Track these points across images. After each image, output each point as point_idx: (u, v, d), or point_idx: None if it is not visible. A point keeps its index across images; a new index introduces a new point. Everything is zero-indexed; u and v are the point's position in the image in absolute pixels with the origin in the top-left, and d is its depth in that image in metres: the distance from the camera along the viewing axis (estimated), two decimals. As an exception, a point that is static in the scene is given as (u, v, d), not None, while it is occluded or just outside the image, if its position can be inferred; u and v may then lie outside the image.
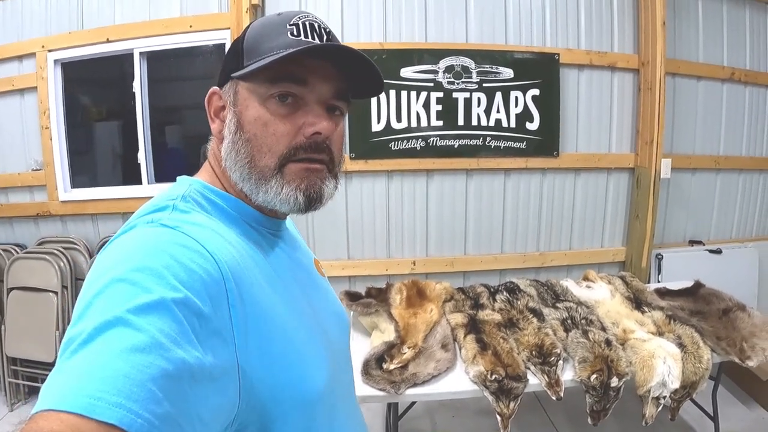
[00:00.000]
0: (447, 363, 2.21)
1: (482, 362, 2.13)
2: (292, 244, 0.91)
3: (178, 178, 0.83)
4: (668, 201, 3.63)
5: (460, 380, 2.16)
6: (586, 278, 2.96)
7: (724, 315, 2.61)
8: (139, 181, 3.45)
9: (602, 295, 2.76)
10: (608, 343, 2.29)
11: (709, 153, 3.64)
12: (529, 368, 2.19)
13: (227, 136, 0.78)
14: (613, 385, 2.17)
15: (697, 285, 2.86)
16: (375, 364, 2.15)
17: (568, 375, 2.21)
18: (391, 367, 2.13)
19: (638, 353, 2.27)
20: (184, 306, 0.56)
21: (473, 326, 2.40)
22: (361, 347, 2.38)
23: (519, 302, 2.60)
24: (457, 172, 3.42)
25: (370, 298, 2.67)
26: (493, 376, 2.05)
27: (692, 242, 3.67)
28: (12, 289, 3.18)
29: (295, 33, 0.74)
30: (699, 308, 2.67)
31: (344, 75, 0.77)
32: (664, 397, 2.24)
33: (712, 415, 2.71)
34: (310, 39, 0.74)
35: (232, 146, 0.77)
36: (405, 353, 2.19)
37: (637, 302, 2.70)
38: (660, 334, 2.44)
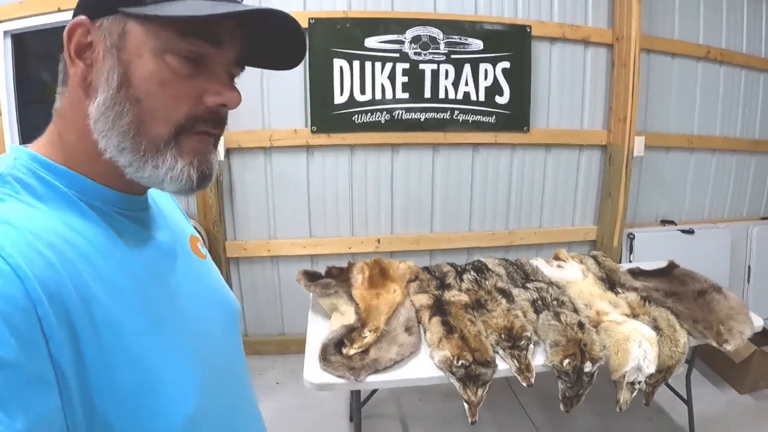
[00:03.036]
0: (411, 347, 2.04)
1: (448, 346, 1.97)
2: (156, 224, 0.73)
3: (9, 147, 0.62)
4: (641, 180, 3.53)
5: (424, 366, 1.99)
6: (556, 257, 2.83)
7: (700, 297, 2.51)
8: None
9: (574, 275, 2.63)
10: (581, 325, 2.16)
11: (683, 132, 3.54)
12: (497, 353, 2.04)
13: (102, 90, 0.59)
14: (586, 370, 2.04)
15: (671, 265, 2.75)
16: (334, 349, 1.97)
17: (539, 359, 2.07)
18: (351, 352, 1.96)
19: (612, 336, 2.15)
20: None
21: (439, 308, 2.24)
22: (319, 330, 2.20)
23: (487, 282, 2.45)
24: (423, 146, 3.24)
25: (330, 279, 2.48)
26: (460, 362, 1.90)
27: (664, 222, 3.58)
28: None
29: None
30: (674, 289, 2.56)
31: (254, 41, 0.66)
32: (639, 382, 2.13)
33: (685, 398, 2.62)
34: None
35: (111, 104, 0.59)
36: (366, 337, 2.01)
37: (610, 283, 2.58)
38: (635, 316, 2.32)
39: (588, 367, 2.04)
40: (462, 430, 2.65)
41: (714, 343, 2.26)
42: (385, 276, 2.44)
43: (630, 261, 3.42)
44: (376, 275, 2.43)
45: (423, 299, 2.32)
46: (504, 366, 1.98)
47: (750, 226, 3.67)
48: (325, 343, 2.00)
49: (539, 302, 2.33)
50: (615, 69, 3.33)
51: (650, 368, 2.10)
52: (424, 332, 2.16)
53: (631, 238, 3.43)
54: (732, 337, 2.28)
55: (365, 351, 1.99)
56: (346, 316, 2.19)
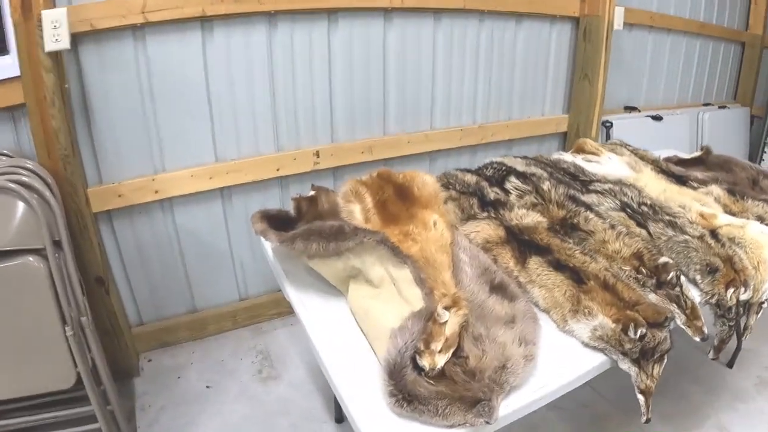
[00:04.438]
0: (528, 322, 1.19)
1: (599, 309, 1.16)
2: None
3: None
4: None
5: (557, 348, 1.22)
6: (580, 150, 2.15)
7: (755, 185, 2.04)
8: None
9: (621, 171, 1.97)
10: (716, 237, 1.50)
11: (644, 8, 3.11)
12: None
13: None
14: (743, 298, 1.42)
15: (707, 151, 2.26)
16: (412, 367, 1.08)
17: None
18: (439, 362, 1.08)
19: (745, 247, 1.53)
20: None
21: (520, 240, 1.40)
22: (327, 326, 1.32)
23: (544, 187, 1.65)
24: (371, 13, 2.27)
25: (311, 221, 1.47)
26: (638, 332, 1.09)
27: (628, 108, 3.14)
28: None
29: None
30: (729, 178, 2.04)
31: None
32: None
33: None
34: None
35: None
36: (445, 321, 1.10)
37: (673, 176, 1.96)
38: (732, 214, 1.75)
39: (745, 294, 1.41)
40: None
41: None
42: (407, 199, 1.50)
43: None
44: (392, 200, 1.49)
45: (484, 229, 1.46)
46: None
47: (700, 112, 3.49)
48: (395, 360, 1.07)
49: (628, 211, 1.61)
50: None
51: None
52: (519, 286, 1.31)
53: (607, 126, 2.99)
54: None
55: (460, 354, 1.12)
56: (384, 288, 1.25)
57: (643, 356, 1.15)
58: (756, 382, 2.13)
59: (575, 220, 1.49)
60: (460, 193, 1.68)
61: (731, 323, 1.40)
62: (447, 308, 1.15)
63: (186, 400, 1.96)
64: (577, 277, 1.25)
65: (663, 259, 1.36)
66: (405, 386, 1.04)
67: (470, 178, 1.78)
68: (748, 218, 1.69)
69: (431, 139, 2.60)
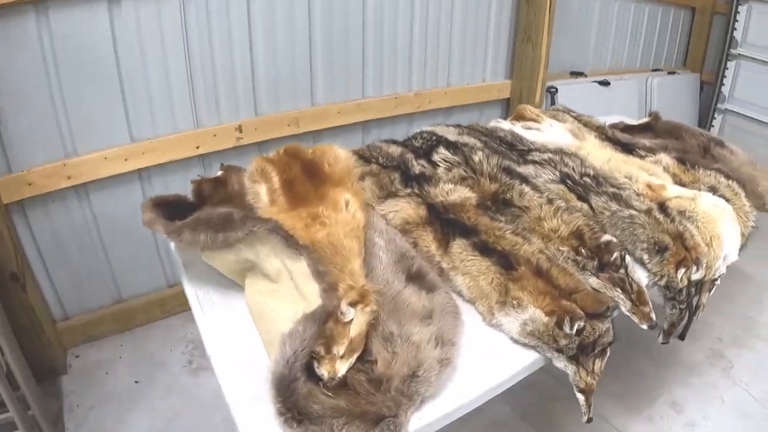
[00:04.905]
0: (447, 317, 1.01)
1: (529, 299, 0.97)
2: None
3: None
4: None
5: (479, 345, 1.04)
6: (520, 117, 1.98)
7: (706, 153, 1.90)
8: None
9: (563, 139, 1.80)
10: (665, 211, 1.34)
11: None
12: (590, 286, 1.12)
13: None
14: (695, 278, 1.27)
15: (655, 117, 2.12)
16: (305, 378, 0.91)
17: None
18: (340, 369, 0.93)
19: (696, 221, 1.38)
20: None
21: (444, 220, 1.20)
22: (224, 327, 1.13)
23: (475, 159, 1.46)
24: None
25: (217, 206, 1.25)
26: (575, 326, 0.92)
27: (574, 74, 3.00)
28: None
29: None
30: (679, 146, 1.90)
31: None
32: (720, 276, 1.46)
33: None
34: None
35: None
36: (349, 317, 0.91)
37: (619, 144, 1.81)
38: (682, 185, 1.60)
39: (697, 273, 1.26)
40: None
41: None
42: (316, 176, 1.29)
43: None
44: (299, 179, 1.27)
45: (403, 208, 1.26)
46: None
47: (649, 77, 3.35)
48: (282, 373, 0.87)
49: (569, 182, 1.44)
50: None
51: (734, 255, 1.44)
52: (441, 273, 1.12)
53: (552, 92, 2.83)
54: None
55: (367, 358, 0.95)
56: (282, 282, 1.06)
57: (582, 352, 0.98)
58: (709, 355, 2.05)
59: (508, 195, 1.30)
60: (382, 168, 1.47)
61: (682, 306, 1.24)
62: (353, 304, 0.96)
63: (115, 398, 1.86)
64: (506, 262, 1.06)
65: (606, 238, 1.19)
66: (296, 402, 0.86)
67: (395, 150, 1.57)
68: (699, 189, 1.54)
69: (363, 108, 2.36)
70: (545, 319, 0.96)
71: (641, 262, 1.25)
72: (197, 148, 2.01)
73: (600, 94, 2.98)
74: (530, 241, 1.14)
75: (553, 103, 2.79)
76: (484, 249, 1.09)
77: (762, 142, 3.11)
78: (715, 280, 1.42)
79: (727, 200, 1.51)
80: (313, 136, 2.27)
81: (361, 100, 2.35)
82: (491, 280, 1.04)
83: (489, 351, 1.01)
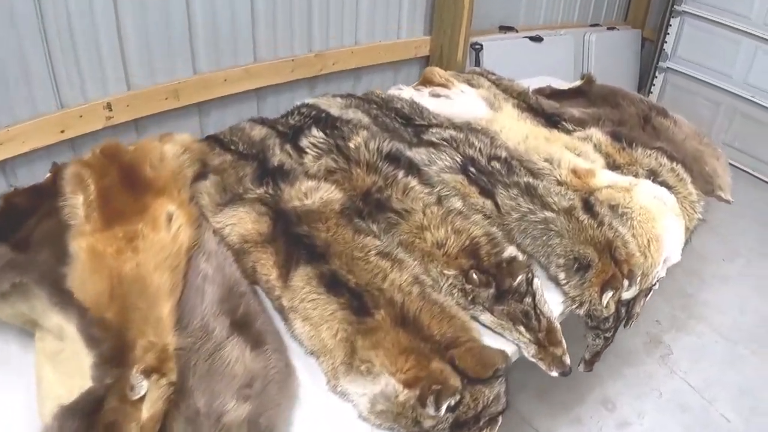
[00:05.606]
0: (272, 389, 0.69)
1: (381, 361, 0.66)
2: None
3: None
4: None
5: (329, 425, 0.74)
6: (428, 82, 1.66)
7: (646, 124, 1.64)
8: None
9: (474, 109, 1.49)
10: (589, 208, 1.06)
11: None
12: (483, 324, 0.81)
13: None
14: (626, 297, 0.99)
15: (589, 80, 1.82)
16: None
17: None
18: None
19: (631, 219, 1.12)
20: None
21: (291, 236, 0.88)
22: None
23: (351, 145, 1.13)
24: None
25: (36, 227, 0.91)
26: (443, 404, 0.61)
27: (504, 28, 2.72)
28: None
29: None
30: (615, 116, 1.63)
31: None
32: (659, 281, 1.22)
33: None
34: None
35: None
36: (139, 393, 0.60)
37: (541, 114, 1.52)
38: (616, 167, 1.33)
39: (629, 291, 0.99)
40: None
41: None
42: (136, 184, 0.95)
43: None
44: (116, 187, 0.93)
45: (243, 220, 0.93)
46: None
47: (587, 33, 3.08)
48: None
49: (471, 171, 1.13)
50: None
51: (676, 256, 1.19)
52: (285, 320, 0.81)
53: (477, 49, 2.53)
54: (725, 183, 1.53)
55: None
56: (67, 343, 0.72)
57: (459, 428, 0.69)
58: (645, 341, 1.86)
59: (386, 193, 0.98)
60: (238, 158, 1.12)
61: (608, 334, 0.97)
62: (147, 373, 0.64)
63: None
64: (359, 304, 0.74)
65: (509, 253, 0.89)
66: None
67: (258, 133, 1.22)
68: (636, 174, 1.27)
69: (254, 74, 1.98)
70: (403, 394, 0.65)
71: (556, 281, 0.96)
72: (62, 132, 1.61)
73: (532, 51, 2.71)
74: (403, 265, 0.82)
75: (477, 62, 2.48)
76: (333, 283, 0.77)
77: (704, 102, 2.93)
78: (653, 285, 1.16)
79: (670, 188, 1.24)
80: (198, 108, 1.89)
81: (251, 64, 1.97)
82: (335, 331, 0.73)
83: (335, 428, 0.71)
